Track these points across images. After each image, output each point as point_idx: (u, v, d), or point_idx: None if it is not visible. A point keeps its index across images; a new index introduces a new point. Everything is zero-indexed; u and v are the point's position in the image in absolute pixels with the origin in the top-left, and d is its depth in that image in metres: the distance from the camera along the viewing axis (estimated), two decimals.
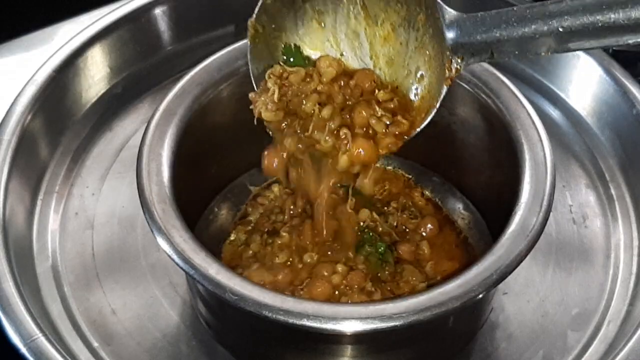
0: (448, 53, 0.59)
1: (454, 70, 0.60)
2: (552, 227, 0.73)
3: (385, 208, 0.72)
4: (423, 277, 0.67)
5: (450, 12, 0.59)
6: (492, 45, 0.57)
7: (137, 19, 0.82)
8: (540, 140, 0.64)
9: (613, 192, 0.75)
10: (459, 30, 0.59)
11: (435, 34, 0.60)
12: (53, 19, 0.88)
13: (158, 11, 0.83)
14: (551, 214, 0.60)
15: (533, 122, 0.65)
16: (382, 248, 0.67)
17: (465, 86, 0.67)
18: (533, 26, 0.55)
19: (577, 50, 0.57)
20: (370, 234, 0.68)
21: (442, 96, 0.61)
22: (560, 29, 0.54)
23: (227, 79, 0.68)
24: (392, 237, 0.70)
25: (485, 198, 0.72)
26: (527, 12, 0.55)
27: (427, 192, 0.75)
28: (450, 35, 0.59)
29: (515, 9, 0.56)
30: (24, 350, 0.59)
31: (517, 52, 0.57)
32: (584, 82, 0.80)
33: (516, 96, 0.66)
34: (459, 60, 0.59)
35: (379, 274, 0.67)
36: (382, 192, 0.74)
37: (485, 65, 0.68)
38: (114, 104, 0.81)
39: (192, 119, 0.65)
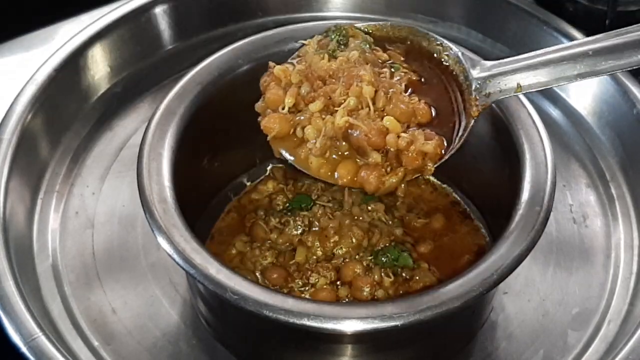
0: (472, 89, 0.62)
1: (480, 107, 0.62)
2: (552, 227, 0.73)
3: (393, 205, 0.72)
4: (436, 279, 0.67)
5: (472, 57, 0.63)
6: (517, 75, 0.60)
7: (138, 19, 0.82)
8: (541, 139, 0.64)
9: (613, 191, 0.75)
10: (483, 67, 0.62)
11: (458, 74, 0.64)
12: (53, 19, 0.88)
13: (158, 10, 0.83)
14: (551, 213, 0.60)
15: (533, 122, 0.65)
16: (396, 255, 0.67)
17: None
18: (560, 53, 0.59)
19: (606, 73, 0.59)
20: (382, 256, 0.68)
21: (468, 130, 0.62)
22: (590, 53, 0.58)
23: (227, 79, 0.68)
24: (405, 237, 0.70)
25: (486, 198, 0.72)
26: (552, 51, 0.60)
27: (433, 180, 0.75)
28: (474, 72, 0.62)
29: (538, 51, 0.60)
30: (24, 349, 0.59)
31: (543, 82, 0.60)
32: (584, 81, 0.79)
33: (517, 96, 0.66)
34: (485, 95, 0.62)
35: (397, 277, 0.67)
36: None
37: None
38: (114, 103, 0.81)
39: (192, 119, 0.65)
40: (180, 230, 0.58)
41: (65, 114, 0.77)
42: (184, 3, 0.84)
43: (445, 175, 0.75)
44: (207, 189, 0.73)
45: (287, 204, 0.71)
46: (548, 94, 0.82)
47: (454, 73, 0.64)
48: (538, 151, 0.63)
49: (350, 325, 0.54)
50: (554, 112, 0.81)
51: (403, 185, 0.62)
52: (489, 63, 0.63)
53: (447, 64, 0.65)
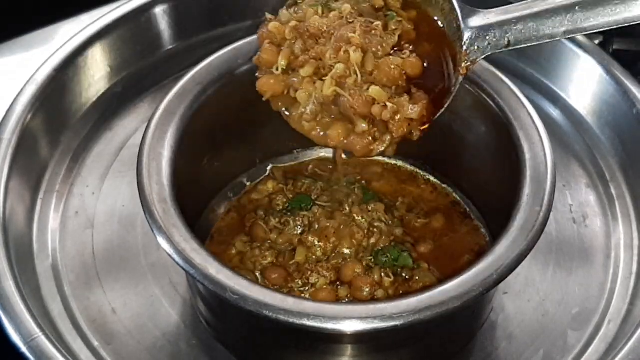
0: (464, 42, 0.61)
1: (470, 62, 0.62)
2: (552, 227, 0.73)
3: (393, 205, 0.72)
4: (436, 279, 0.67)
5: (466, 6, 0.62)
6: (507, 27, 0.60)
7: (138, 19, 0.82)
8: (541, 139, 0.64)
9: (613, 191, 0.75)
10: (476, 17, 0.62)
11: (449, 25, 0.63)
12: (53, 19, 0.88)
13: (158, 10, 0.83)
14: (551, 213, 0.60)
15: (533, 122, 0.65)
16: (396, 255, 0.67)
17: (467, 86, 0.67)
18: (548, 6, 0.58)
19: (593, 31, 0.59)
20: (382, 256, 0.67)
21: (457, 87, 0.62)
22: (577, 7, 0.57)
23: (227, 79, 0.68)
24: (405, 237, 0.70)
25: (486, 198, 0.72)
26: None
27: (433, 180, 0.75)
28: (466, 22, 0.62)
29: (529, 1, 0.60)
30: (24, 349, 0.59)
31: (533, 36, 0.60)
32: (584, 81, 0.80)
33: (517, 96, 0.66)
34: (475, 49, 0.61)
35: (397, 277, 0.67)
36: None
37: (486, 64, 0.68)
38: (114, 103, 0.81)
39: (192, 119, 0.65)
40: (180, 230, 0.58)
41: (65, 114, 0.77)
42: (184, 3, 0.84)
43: (445, 176, 0.75)
44: (207, 189, 0.73)
45: (287, 204, 0.71)
46: (548, 94, 0.82)
47: (447, 20, 0.63)
48: (538, 151, 0.63)
49: (350, 325, 0.54)
50: (554, 112, 0.81)
51: (392, 147, 0.64)
52: (484, 12, 0.62)
53: (441, 12, 0.64)
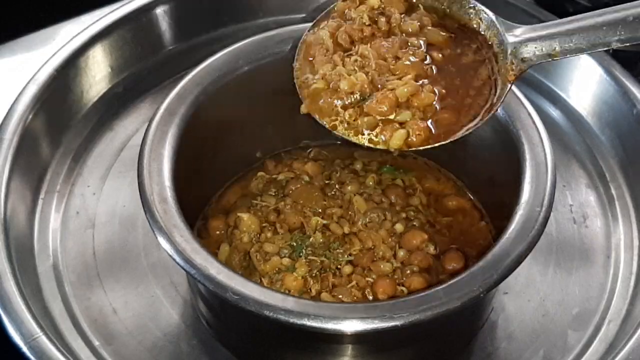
0: (508, 54, 0.61)
1: (516, 71, 0.61)
2: (552, 227, 0.73)
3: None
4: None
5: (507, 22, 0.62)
6: (556, 38, 0.59)
7: (138, 19, 0.82)
8: (541, 140, 0.64)
9: (613, 192, 0.75)
10: (519, 32, 0.61)
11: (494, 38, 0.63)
12: (54, 19, 0.88)
13: (159, 11, 0.83)
14: (551, 213, 0.60)
15: (534, 122, 0.65)
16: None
17: None
18: (599, 18, 0.58)
19: None
20: None
21: (505, 96, 0.61)
22: (631, 17, 0.56)
23: (227, 79, 0.68)
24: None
25: (486, 198, 0.72)
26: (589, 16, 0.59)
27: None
28: (509, 37, 0.61)
29: (575, 16, 0.59)
30: (25, 349, 0.59)
31: (583, 46, 0.58)
32: (584, 82, 0.80)
33: (517, 96, 0.66)
34: (520, 62, 0.61)
35: None
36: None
37: None
38: (115, 103, 0.81)
39: (193, 119, 0.65)
40: (180, 230, 0.58)
41: (66, 114, 0.77)
42: (184, 3, 0.84)
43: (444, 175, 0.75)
44: (207, 189, 0.73)
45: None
46: (548, 94, 0.82)
47: (487, 37, 0.63)
48: (538, 151, 0.63)
49: (350, 325, 0.54)
50: (554, 112, 0.81)
51: None
52: (523, 27, 0.61)
53: (481, 30, 0.63)
